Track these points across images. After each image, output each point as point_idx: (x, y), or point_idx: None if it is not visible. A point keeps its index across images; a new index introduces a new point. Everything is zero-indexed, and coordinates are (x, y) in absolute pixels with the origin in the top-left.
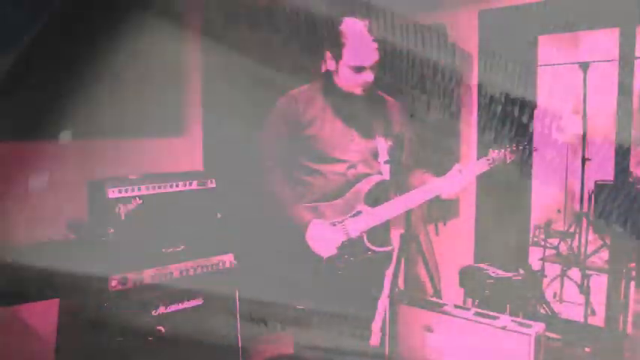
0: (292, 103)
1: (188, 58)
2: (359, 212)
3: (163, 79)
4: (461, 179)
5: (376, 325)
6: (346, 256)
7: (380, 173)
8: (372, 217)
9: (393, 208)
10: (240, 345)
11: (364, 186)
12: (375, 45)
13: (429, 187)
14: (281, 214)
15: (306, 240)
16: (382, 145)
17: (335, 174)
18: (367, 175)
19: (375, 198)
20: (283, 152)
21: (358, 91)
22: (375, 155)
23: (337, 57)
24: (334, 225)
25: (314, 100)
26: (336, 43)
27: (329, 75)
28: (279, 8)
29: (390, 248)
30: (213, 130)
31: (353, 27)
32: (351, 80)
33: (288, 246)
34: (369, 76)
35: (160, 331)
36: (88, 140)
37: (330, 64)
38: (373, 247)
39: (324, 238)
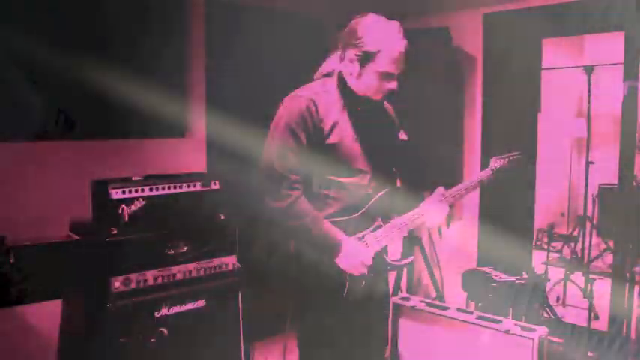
0: (312, 107)
1: (192, 58)
2: (379, 226)
3: (167, 79)
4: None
5: None
6: (370, 274)
7: (394, 183)
8: (392, 229)
9: (410, 219)
10: (242, 347)
11: (382, 197)
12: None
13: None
14: (307, 232)
15: (338, 258)
16: (394, 153)
17: (357, 186)
18: (384, 185)
19: (391, 209)
20: (306, 164)
21: (378, 96)
22: (391, 164)
23: (366, 60)
24: (359, 241)
25: (332, 104)
26: (370, 46)
27: (340, 76)
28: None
29: (409, 260)
30: (217, 131)
31: (391, 30)
32: (375, 86)
33: (314, 265)
34: (394, 84)
35: (162, 332)
36: (91, 141)
37: (351, 66)
38: (394, 262)
39: (357, 256)
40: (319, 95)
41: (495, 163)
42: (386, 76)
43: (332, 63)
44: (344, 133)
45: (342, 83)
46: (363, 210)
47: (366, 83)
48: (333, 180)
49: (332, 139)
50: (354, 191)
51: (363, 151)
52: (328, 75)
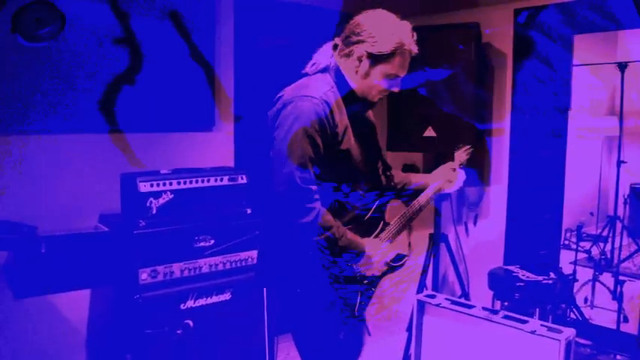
0: (327, 110)
1: (220, 52)
2: (383, 229)
3: (195, 72)
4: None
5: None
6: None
7: (387, 182)
8: (393, 229)
9: (405, 216)
10: (267, 340)
11: (382, 199)
12: None
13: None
14: (333, 243)
15: (363, 267)
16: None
17: (364, 191)
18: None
19: (391, 208)
20: (324, 173)
21: (375, 98)
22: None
23: (379, 60)
24: (375, 240)
25: (340, 106)
26: (386, 46)
27: (339, 73)
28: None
29: (405, 260)
30: (245, 125)
31: (406, 31)
32: (380, 87)
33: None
34: (398, 87)
35: (188, 324)
36: (121, 133)
37: (358, 64)
38: (394, 264)
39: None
40: (329, 96)
41: (460, 157)
42: (393, 78)
43: (327, 57)
44: (351, 136)
45: (340, 81)
46: (369, 214)
47: (371, 84)
48: (351, 188)
49: (344, 145)
50: (362, 196)
51: (361, 153)
52: (323, 71)
